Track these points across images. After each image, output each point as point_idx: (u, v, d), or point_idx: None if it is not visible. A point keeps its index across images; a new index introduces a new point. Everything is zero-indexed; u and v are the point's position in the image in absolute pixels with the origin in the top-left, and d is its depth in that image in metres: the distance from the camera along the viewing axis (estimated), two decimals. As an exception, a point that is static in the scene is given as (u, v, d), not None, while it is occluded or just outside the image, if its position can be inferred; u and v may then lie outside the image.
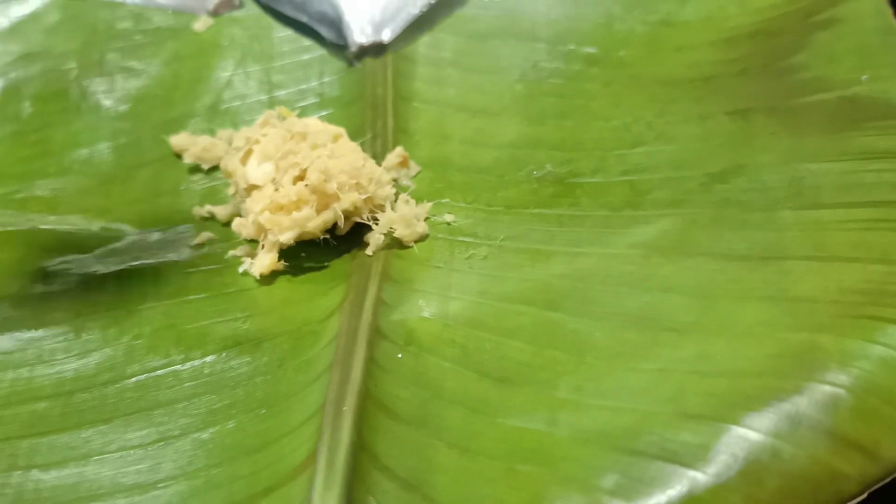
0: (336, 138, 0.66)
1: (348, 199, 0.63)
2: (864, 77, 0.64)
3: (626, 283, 0.57)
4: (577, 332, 0.54)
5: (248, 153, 0.67)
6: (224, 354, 0.58)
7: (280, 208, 0.62)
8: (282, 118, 0.71)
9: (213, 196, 0.73)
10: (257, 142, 0.67)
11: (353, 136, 0.69)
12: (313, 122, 0.68)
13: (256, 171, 0.65)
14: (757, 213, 0.58)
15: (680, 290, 0.55)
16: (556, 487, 0.45)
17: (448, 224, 0.66)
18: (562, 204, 0.66)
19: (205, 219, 0.70)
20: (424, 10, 0.81)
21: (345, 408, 0.52)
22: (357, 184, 0.64)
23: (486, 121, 0.75)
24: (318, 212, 0.62)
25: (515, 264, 0.61)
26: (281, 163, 0.63)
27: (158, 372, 0.57)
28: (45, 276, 0.64)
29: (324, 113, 0.76)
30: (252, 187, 0.64)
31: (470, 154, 0.72)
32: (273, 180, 0.64)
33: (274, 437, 0.52)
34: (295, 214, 0.61)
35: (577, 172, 0.68)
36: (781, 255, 0.54)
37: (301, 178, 0.62)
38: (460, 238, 0.65)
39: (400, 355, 0.55)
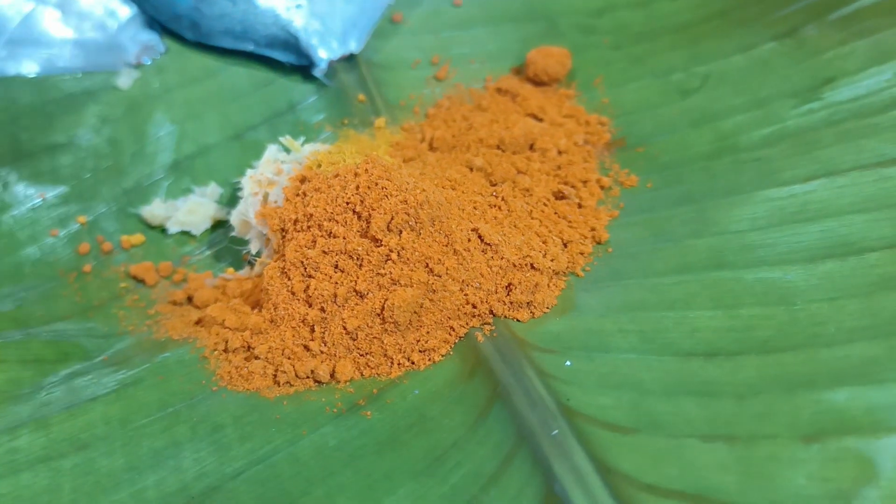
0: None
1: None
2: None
3: (781, 221, 0.50)
4: (762, 281, 0.46)
5: (266, 197, 0.55)
6: (341, 420, 0.45)
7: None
8: (287, 151, 0.59)
9: (217, 263, 0.60)
10: (271, 184, 0.56)
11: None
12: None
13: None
14: (880, 115, 0.53)
15: (852, 209, 0.49)
16: (891, 442, 0.36)
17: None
18: (639, 168, 0.58)
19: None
20: (385, 12, 0.72)
21: (554, 432, 0.41)
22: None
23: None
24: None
25: (637, 240, 0.53)
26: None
27: (271, 459, 0.43)
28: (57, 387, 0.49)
29: (323, 136, 0.65)
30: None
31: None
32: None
33: (473, 493, 0.40)
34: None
35: (636, 135, 0.61)
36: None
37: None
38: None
39: (568, 363, 0.45)
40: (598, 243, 0.54)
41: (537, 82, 0.67)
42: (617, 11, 0.71)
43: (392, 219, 0.49)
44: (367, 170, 0.51)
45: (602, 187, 0.58)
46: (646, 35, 0.68)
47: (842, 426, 0.38)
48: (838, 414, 0.38)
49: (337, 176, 0.52)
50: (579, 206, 0.56)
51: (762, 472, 0.37)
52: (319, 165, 0.56)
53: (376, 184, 0.50)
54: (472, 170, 0.59)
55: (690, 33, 0.67)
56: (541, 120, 0.63)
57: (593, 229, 0.54)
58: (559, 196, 0.57)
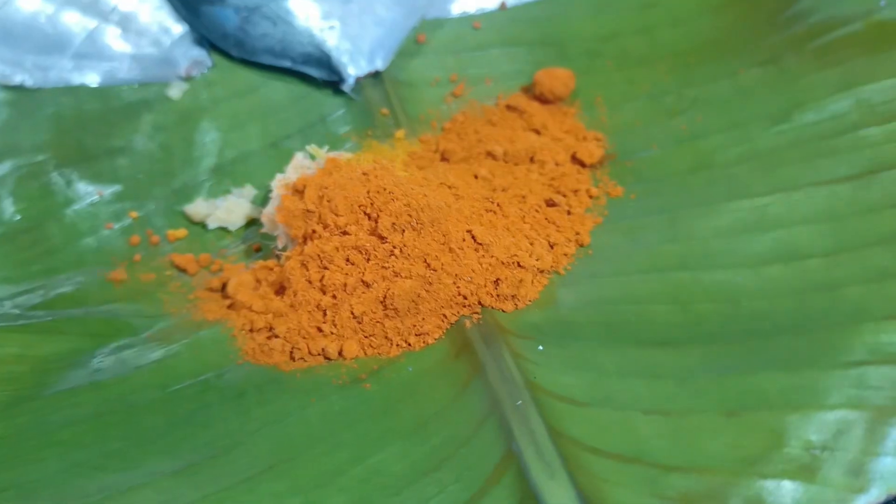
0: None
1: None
2: (882, 3, 0.65)
3: (740, 230, 0.57)
4: (716, 282, 0.53)
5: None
6: (345, 390, 0.53)
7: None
8: (312, 158, 0.67)
9: (249, 256, 0.68)
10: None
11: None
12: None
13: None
14: (839, 137, 0.59)
15: (802, 221, 0.55)
16: (796, 418, 0.43)
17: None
18: (626, 181, 0.65)
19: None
20: (410, 33, 0.80)
21: (519, 402, 0.49)
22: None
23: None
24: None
25: (615, 244, 0.60)
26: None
27: (284, 421, 0.52)
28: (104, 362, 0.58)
29: (348, 145, 0.73)
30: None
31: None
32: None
33: (449, 452, 0.48)
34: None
35: (626, 151, 0.68)
36: (891, 166, 0.55)
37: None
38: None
39: (541, 347, 0.52)
40: (581, 246, 0.61)
41: (543, 100, 0.74)
42: (621, 38, 0.77)
43: (397, 219, 0.57)
44: (376, 176, 0.59)
45: (591, 197, 0.65)
46: (645, 60, 0.75)
47: (758, 404, 0.45)
48: (758, 394, 0.45)
49: (350, 181, 0.59)
50: (568, 212, 0.63)
51: (687, 440, 0.44)
52: (339, 169, 0.63)
53: (385, 188, 0.58)
54: (476, 178, 0.67)
55: (685, 59, 0.73)
56: (542, 135, 0.70)
57: (578, 233, 0.61)
58: (550, 203, 0.64)
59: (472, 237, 0.57)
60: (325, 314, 0.56)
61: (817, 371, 0.45)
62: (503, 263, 0.57)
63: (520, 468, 0.45)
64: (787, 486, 0.41)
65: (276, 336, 0.57)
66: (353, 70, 0.77)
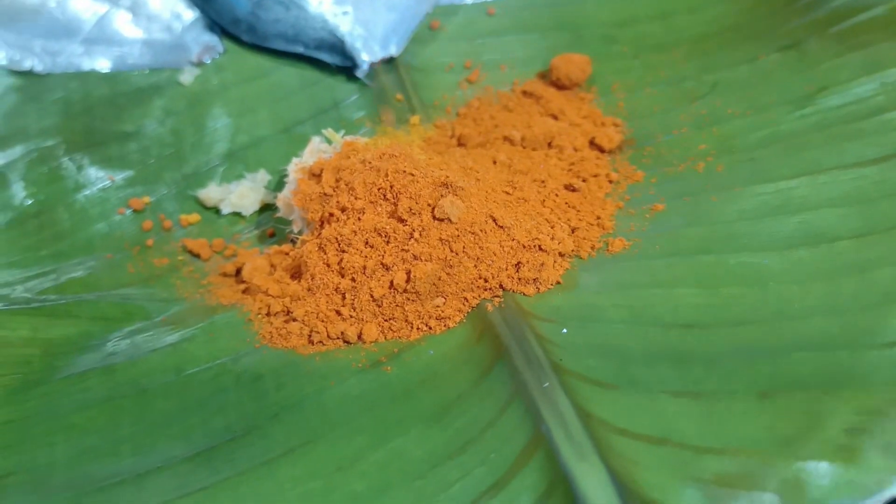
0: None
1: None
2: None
3: (765, 214, 0.56)
4: (743, 265, 0.52)
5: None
6: (364, 374, 0.52)
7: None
8: (328, 142, 0.66)
9: (264, 241, 0.67)
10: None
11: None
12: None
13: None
14: (864, 120, 0.58)
15: (829, 204, 0.54)
16: (833, 399, 0.42)
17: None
18: (646, 165, 0.64)
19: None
20: (424, 19, 0.79)
21: (546, 385, 0.47)
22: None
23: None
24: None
25: (637, 228, 0.59)
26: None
27: (301, 405, 0.51)
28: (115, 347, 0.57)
29: (362, 131, 0.72)
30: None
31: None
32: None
33: (472, 436, 0.46)
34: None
35: (645, 136, 0.67)
36: (919, 148, 0.54)
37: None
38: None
39: (564, 330, 0.51)
40: (603, 230, 0.60)
41: (560, 86, 0.73)
42: (638, 24, 0.77)
43: (416, 202, 0.56)
44: (395, 159, 0.58)
45: (611, 181, 0.64)
46: (662, 46, 0.74)
47: (792, 385, 0.44)
48: (791, 376, 0.44)
49: (369, 164, 0.58)
50: (588, 197, 0.62)
51: (719, 422, 0.43)
52: (356, 153, 0.62)
53: (404, 171, 0.57)
54: (495, 163, 0.66)
55: (703, 45, 0.73)
56: (559, 120, 0.69)
57: (599, 218, 0.60)
58: (570, 188, 0.63)
59: (493, 220, 0.56)
60: (343, 297, 0.55)
61: (853, 352, 0.44)
62: (524, 247, 0.56)
63: (549, 450, 0.44)
64: (825, 468, 0.40)
65: (294, 320, 0.56)
66: (366, 56, 0.76)
